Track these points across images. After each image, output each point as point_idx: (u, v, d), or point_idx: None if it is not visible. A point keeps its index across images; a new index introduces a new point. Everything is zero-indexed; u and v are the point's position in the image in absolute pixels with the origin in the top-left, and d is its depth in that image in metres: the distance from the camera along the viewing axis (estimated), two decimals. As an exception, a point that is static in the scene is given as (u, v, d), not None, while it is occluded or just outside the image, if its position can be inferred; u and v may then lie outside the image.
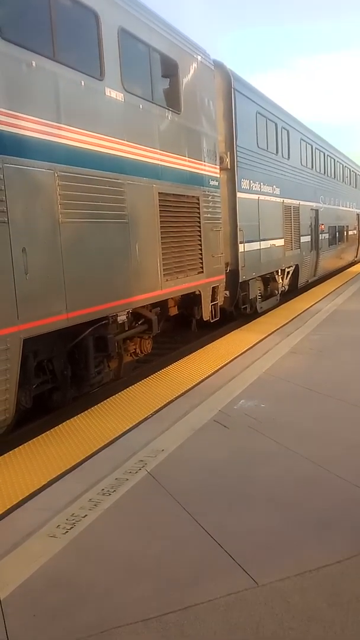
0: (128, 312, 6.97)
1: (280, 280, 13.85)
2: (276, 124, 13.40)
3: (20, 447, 4.91)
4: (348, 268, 23.72)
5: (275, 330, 9.77)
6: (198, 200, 8.76)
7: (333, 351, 8.09)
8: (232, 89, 10.49)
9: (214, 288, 9.35)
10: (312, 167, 17.32)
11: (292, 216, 14.56)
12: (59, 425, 5.42)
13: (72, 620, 2.67)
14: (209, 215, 9.13)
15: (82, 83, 5.87)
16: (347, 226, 23.98)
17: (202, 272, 8.83)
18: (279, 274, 13.73)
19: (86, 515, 3.60)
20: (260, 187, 12.11)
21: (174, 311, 8.93)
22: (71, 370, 6.32)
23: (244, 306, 11.53)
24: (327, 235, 19.30)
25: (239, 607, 2.69)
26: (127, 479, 4.11)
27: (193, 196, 8.60)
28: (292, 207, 14.58)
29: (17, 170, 4.92)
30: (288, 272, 14.51)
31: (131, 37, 6.82)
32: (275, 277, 13.48)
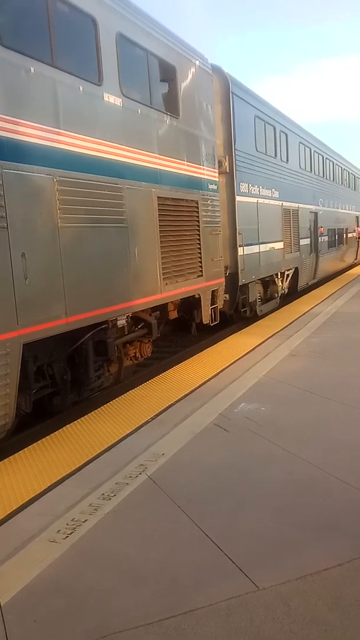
0: (128, 316, 6.97)
1: (280, 283, 13.86)
2: (275, 128, 13.44)
3: (20, 452, 4.90)
4: (348, 270, 23.74)
5: (275, 333, 9.78)
6: (197, 204, 8.78)
7: (333, 354, 8.09)
8: (230, 93, 10.52)
9: (213, 291, 9.36)
10: (311, 170, 17.36)
11: (291, 219, 14.58)
12: (59, 430, 5.42)
13: (73, 625, 2.66)
14: (208, 219, 9.14)
15: (81, 88, 5.89)
16: (347, 229, 24.02)
17: (202, 275, 8.84)
18: (279, 276, 13.74)
19: (86, 520, 3.60)
20: (259, 191, 12.14)
21: (173, 315, 8.94)
22: (71, 375, 6.32)
23: (244, 309, 11.53)
24: (326, 238, 19.32)
25: (240, 611, 2.69)
26: (128, 484, 4.11)
27: (192, 200, 8.62)
28: (291, 210, 14.60)
29: (16, 176, 4.93)
30: (288, 275, 14.52)
31: (129, 42, 6.85)
32: (274, 280, 13.49)
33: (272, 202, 13.10)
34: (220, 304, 9.68)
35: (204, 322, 9.20)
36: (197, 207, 8.78)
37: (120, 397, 6.45)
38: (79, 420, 5.69)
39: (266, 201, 12.64)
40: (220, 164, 10.11)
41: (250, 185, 11.57)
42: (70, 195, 5.63)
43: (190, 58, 8.61)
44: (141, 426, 5.40)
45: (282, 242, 13.74)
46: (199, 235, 8.77)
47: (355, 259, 26.87)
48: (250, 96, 11.84)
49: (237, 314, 11.44)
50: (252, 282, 11.74)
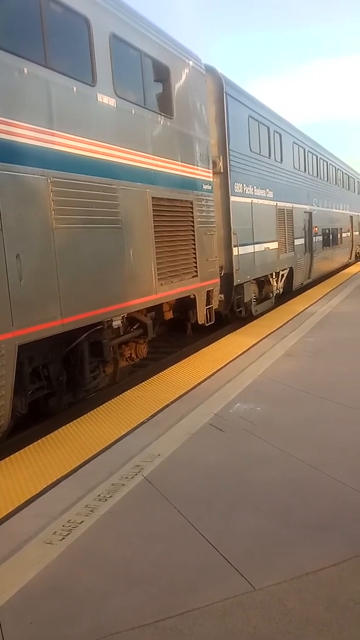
0: (123, 317, 6.97)
1: (275, 283, 13.89)
2: (268, 128, 13.46)
3: (16, 453, 4.89)
4: (342, 270, 23.80)
5: (270, 333, 9.79)
6: (191, 204, 8.78)
7: (328, 353, 8.11)
8: (224, 93, 10.53)
9: (208, 292, 9.37)
10: (305, 170, 17.39)
11: (285, 219, 14.61)
12: (55, 431, 5.41)
13: (69, 627, 2.66)
14: (202, 219, 9.15)
15: (74, 89, 5.88)
16: (341, 228, 24.07)
17: (197, 276, 8.85)
18: (274, 276, 13.76)
19: (82, 521, 3.60)
20: (253, 191, 12.15)
21: (169, 315, 8.94)
22: (67, 376, 6.31)
23: (239, 309, 11.55)
24: (320, 238, 19.37)
25: (236, 612, 2.69)
26: (124, 484, 4.10)
27: (186, 200, 8.62)
28: (285, 210, 14.63)
29: (10, 177, 4.92)
30: (282, 275, 14.55)
31: (123, 43, 6.85)
32: (269, 280, 13.52)
33: (266, 202, 13.12)
34: (215, 304, 9.69)
35: (199, 323, 9.20)
36: (192, 208, 8.79)
37: (116, 398, 6.44)
38: (74, 421, 5.68)
39: (260, 201, 12.66)
40: (214, 164, 10.11)
41: (244, 185, 11.59)
42: (64, 196, 5.62)
43: (184, 59, 8.61)
44: (137, 427, 5.40)
45: (277, 242, 13.76)
46: (193, 235, 8.77)
47: (350, 258, 26.95)
48: (244, 96, 11.85)
49: (232, 314, 11.45)
50: (247, 282, 11.75)
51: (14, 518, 3.73)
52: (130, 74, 7.25)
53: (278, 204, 14.00)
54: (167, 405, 6.00)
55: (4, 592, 2.92)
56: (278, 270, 14.01)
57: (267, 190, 13.17)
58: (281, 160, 14.50)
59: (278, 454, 4.57)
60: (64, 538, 3.40)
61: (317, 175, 19.38)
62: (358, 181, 30.40)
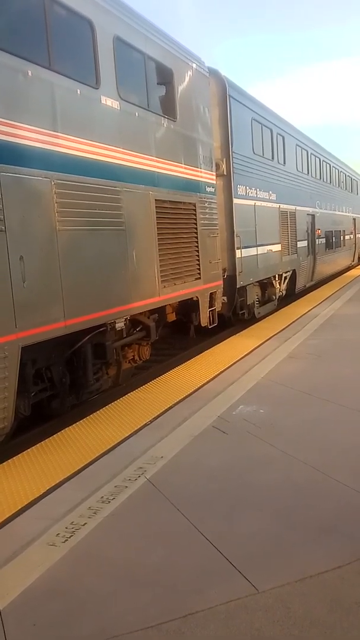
0: (126, 319, 6.97)
1: (278, 285, 13.88)
2: (271, 130, 13.47)
3: (19, 455, 4.90)
4: (345, 272, 23.77)
5: (273, 336, 9.78)
6: (195, 206, 8.79)
7: (331, 356, 8.10)
8: (227, 96, 10.54)
9: (211, 294, 9.37)
10: (308, 172, 17.39)
11: (288, 221, 14.61)
12: (58, 433, 5.41)
13: (72, 629, 2.66)
14: (205, 222, 9.15)
15: (78, 92, 5.90)
16: (344, 231, 24.06)
17: (200, 278, 8.84)
18: (277, 279, 13.76)
19: (85, 523, 3.59)
20: (256, 193, 12.16)
21: (172, 317, 8.94)
22: (69, 378, 6.32)
23: (242, 312, 11.54)
24: (323, 240, 19.35)
25: (239, 614, 2.68)
26: (127, 487, 4.10)
27: (190, 203, 8.63)
28: (288, 213, 14.63)
29: (14, 179, 4.93)
30: (285, 277, 14.54)
31: (126, 45, 6.86)
32: (272, 282, 13.51)
33: (269, 204, 13.12)
34: (218, 307, 9.68)
35: (202, 325, 9.20)
36: (195, 210, 8.79)
37: (118, 400, 6.44)
38: (77, 423, 5.68)
39: (263, 204, 12.66)
40: (217, 166, 10.12)
41: (247, 187, 11.59)
42: (68, 198, 5.63)
43: (187, 61, 8.63)
44: (140, 429, 5.39)
45: (280, 245, 13.76)
46: (196, 237, 8.78)
47: (352, 261, 26.92)
48: (247, 99, 11.86)
49: (235, 316, 11.44)
50: (250, 284, 11.75)
51: (16, 520, 3.73)
52: (134, 77, 7.26)
53: (281, 207, 14.01)
54: (170, 408, 5.99)
55: (6, 594, 2.91)
56: (281, 273, 14.00)
57: (270, 192, 13.17)
58: (284, 162, 14.50)
59: (280, 456, 4.57)
60: (66, 540, 3.40)
61: (320, 178, 19.37)
62: None
